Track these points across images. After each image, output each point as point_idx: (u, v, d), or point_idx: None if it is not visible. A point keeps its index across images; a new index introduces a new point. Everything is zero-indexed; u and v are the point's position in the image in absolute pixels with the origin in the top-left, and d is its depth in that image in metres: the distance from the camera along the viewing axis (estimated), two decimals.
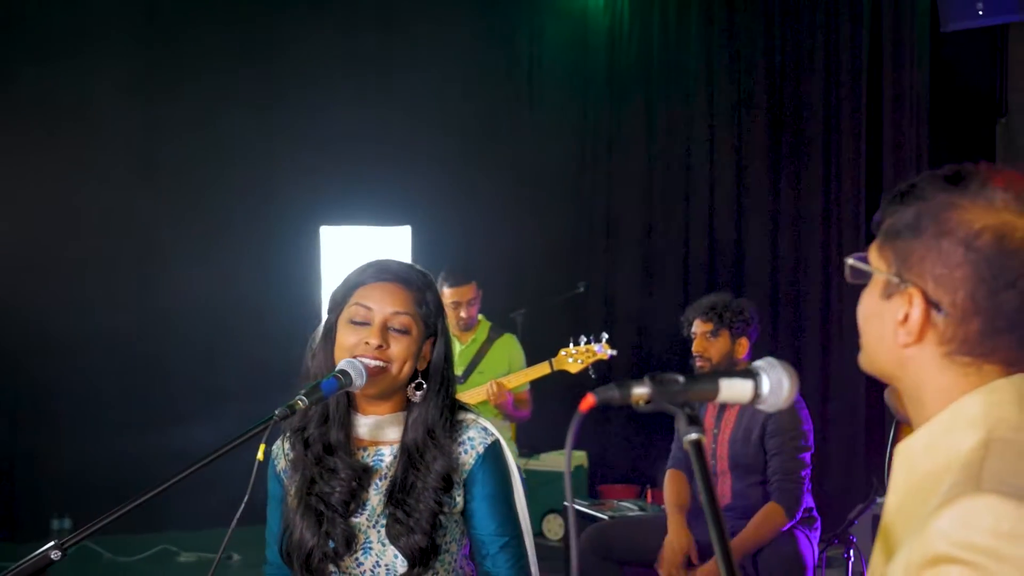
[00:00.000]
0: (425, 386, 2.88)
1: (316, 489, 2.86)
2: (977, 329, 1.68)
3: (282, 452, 2.98)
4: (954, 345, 1.70)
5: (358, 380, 2.71)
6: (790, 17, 8.25)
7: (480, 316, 6.37)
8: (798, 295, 8.05)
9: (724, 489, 5.31)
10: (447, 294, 6.22)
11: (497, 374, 6.19)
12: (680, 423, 1.76)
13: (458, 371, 6.23)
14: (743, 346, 5.34)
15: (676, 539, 5.20)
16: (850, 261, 1.82)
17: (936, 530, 1.55)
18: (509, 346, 6.39)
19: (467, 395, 6.03)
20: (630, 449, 8.61)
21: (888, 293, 1.74)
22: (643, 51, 9.00)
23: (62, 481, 7.73)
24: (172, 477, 2.64)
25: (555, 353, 6.12)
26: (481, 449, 2.89)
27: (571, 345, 6.06)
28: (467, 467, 2.88)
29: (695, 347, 5.35)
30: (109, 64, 7.81)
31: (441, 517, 2.84)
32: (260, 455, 2.58)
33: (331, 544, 2.84)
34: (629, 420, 8.41)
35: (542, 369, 6.15)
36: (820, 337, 7.94)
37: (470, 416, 2.95)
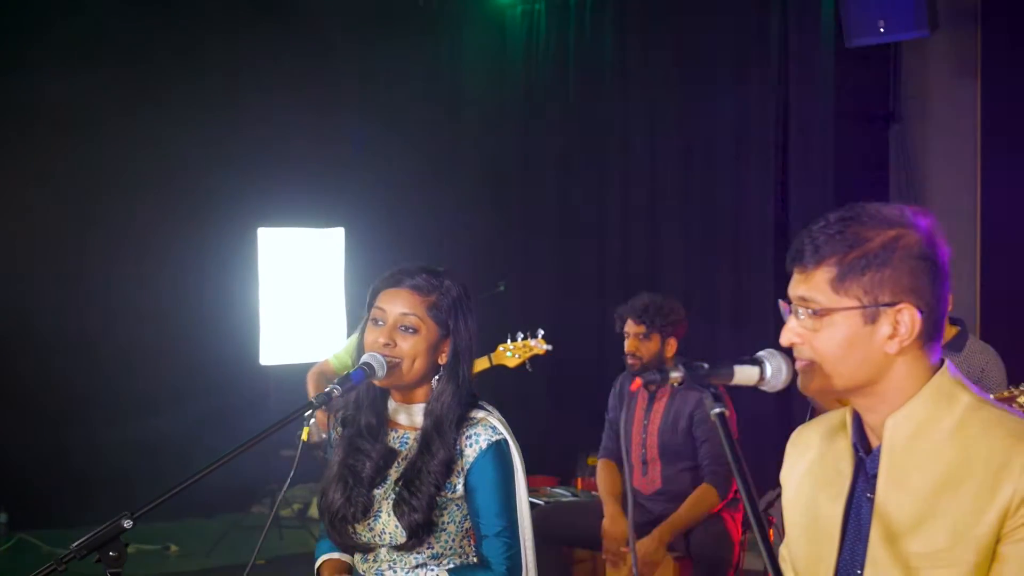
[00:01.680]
0: (441, 376, 3.29)
1: (349, 462, 3.27)
2: (938, 316, 2.19)
3: (309, 431, 3.36)
4: (926, 336, 2.17)
5: (380, 371, 3.14)
6: (702, 29, 8.61)
7: None
8: (709, 295, 8.44)
9: (654, 475, 5.67)
10: None
11: None
12: (707, 400, 2.16)
13: None
14: (672, 345, 5.67)
15: (613, 526, 5.55)
16: (808, 314, 2.21)
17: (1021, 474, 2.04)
18: None
19: None
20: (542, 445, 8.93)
21: (870, 319, 2.16)
22: (559, 60, 9.30)
23: None
24: (219, 459, 2.94)
25: (492, 348, 6.43)
26: (484, 445, 3.26)
27: (508, 340, 6.38)
28: (469, 459, 3.25)
29: (628, 346, 5.67)
30: (52, 68, 7.87)
31: (439, 499, 3.22)
32: (304, 436, 2.98)
33: (351, 508, 3.25)
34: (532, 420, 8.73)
35: (481, 364, 6.42)
36: (730, 333, 8.34)
37: (482, 414, 3.32)
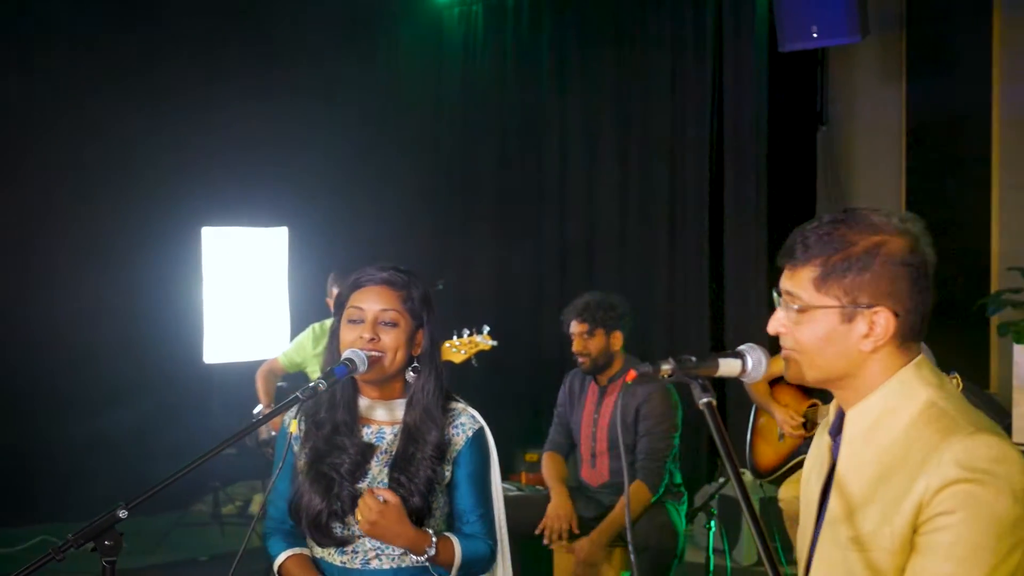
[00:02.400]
0: (419, 370, 3.40)
1: (327, 461, 3.37)
2: (916, 320, 2.31)
3: (300, 421, 3.47)
4: (903, 337, 2.31)
5: (361, 366, 3.25)
6: (639, 29, 8.80)
7: None
8: (646, 290, 8.60)
9: (602, 468, 5.82)
10: (336, 292, 6.59)
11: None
12: (695, 390, 2.31)
13: None
14: (617, 339, 5.81)
15: (560, 507, 5.68)
16: (793, 308, 2.35)
17: (946, 464, 2.16)
18: None
19: None
20: None
21: (848, 318, 2.30)
22: (497, 60, 9.44)
23: None
24: (199, 457, 3.09)
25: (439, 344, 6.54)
26: (471, 433, 3.43)
27: (455, 337, 6.49)
28: (457, 447, 3.41)
29: (575, 346, 5.79)
30: None
31: (435, 485, 3.36)
32: (293, 428, 3.10)
33: (336, 505, 3.34)
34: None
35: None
36: (665, 332, 8.52)
37: (460, 405, 3.48)
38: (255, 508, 8.41)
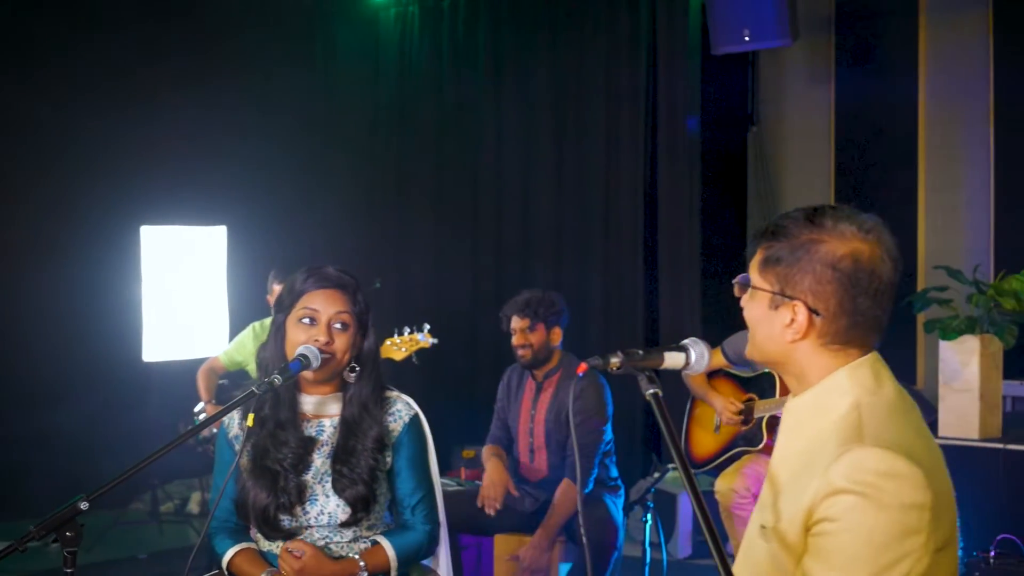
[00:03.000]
0: (359, 370, 3.54)
1: (271, 455, 3.48)
2: (844, 325, 2.37)
3: (234, 423, 3.57)
4: (828, 338, 2.38)
5: (315, 363, 3.38)
6: (574, 32, 8.88)
7: None
8: (582, 289, 8.70)
9: (540, 463, 5.93)
10: (277, 290, 6.65)
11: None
12: (642, 382, 2.43)
13: None
14: (557, 334, 5.92)
15: (494, 474, 5.79)
16: (737, 281, 2.47)
17: (835, 471, 2.22)
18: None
19: None
20: None
21: (775, 305, 2.39)
22: (433, 61, 9.47)
23: None
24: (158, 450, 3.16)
25: (380, 342, 6.60)
26: (407, 419, 3.58)
27: (395, 335, 6.57)
28: (395, 433, 3.56)
29: (516, 341, 5.88)
30: None
31: (377, 472, 3.49)
32: (250, 422, 3.18)
33: (284, 497, 3.45)
34: None
35: None
36: (600, 329, 8.63)
37: (395, 393, 3.64)
38: (193, 506, 8.43)
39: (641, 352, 2.47)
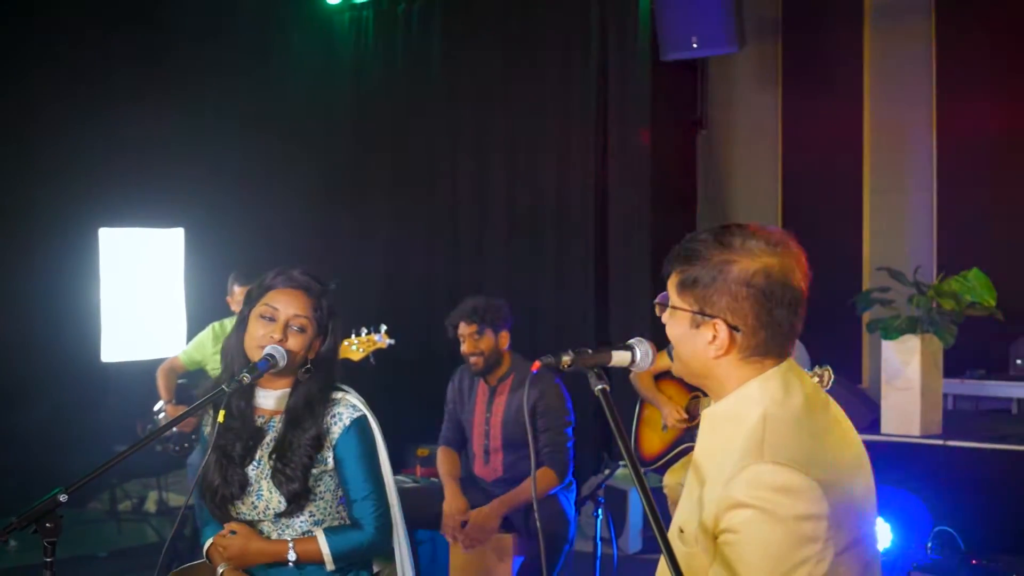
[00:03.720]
0: (312, 371, 3.67)
1: (220, 443, 3.63)
2: (763, 338, 2.50)
3: (209, 418, 3.71)
4: (748, 351, 2.51)
5: (281, 362, 3.54)
6: (527, 36, 9.03)
7: None
8: (532, 294, 8.81)
9: (496, 463, 6.04)
10: (238, 292, 6.74)
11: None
12: (592, 378, 2.60)
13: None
14: (505, 337, 6.02)
15: (453, 503, 5.89)
16: (658, 301, 2.62)
17: (735, 485, 2.36)
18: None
19: None
20: None
21: (696, 324, 2.52)
22: (388, 65, 9.56)
23: None
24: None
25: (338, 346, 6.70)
26: (348, 421, 3.68)
27: (352, 335, 6.67)
28: (335, 435, 3.68)
29: (466, 348, 5.98)
30: None
31: (313, 470, 3.63)
32: (221, 418, 3.37)
33: (226, 489, 3.62)
34: None
35: None
36: (551, 333, 8.75)
37: (340, 395, 3.74)
38: (151, 505, 8.51)
39: (590, 351, 2.63)
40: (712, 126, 10.41)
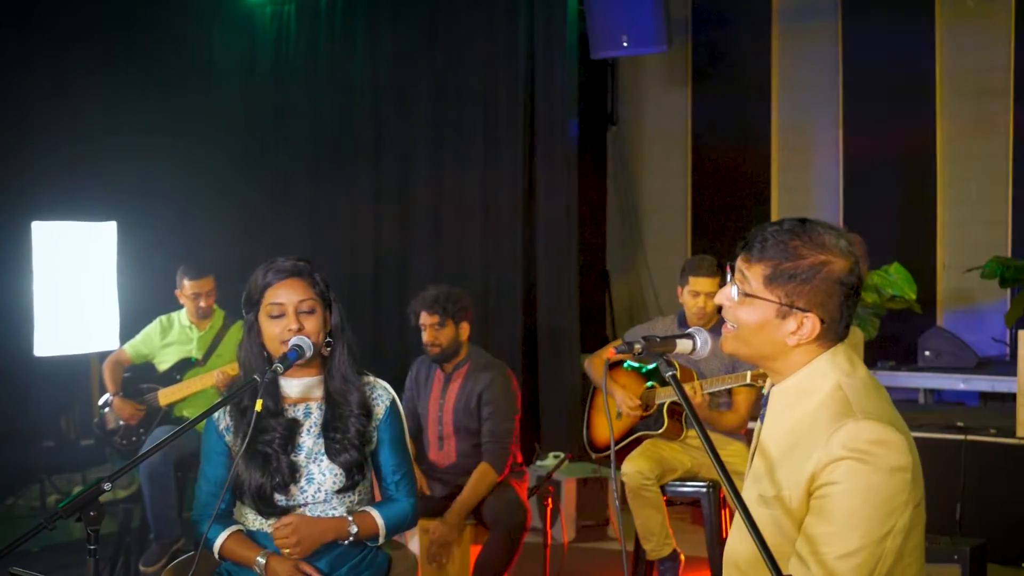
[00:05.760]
0: (332, 342, 3.79)
1: (259, 440, 3.71)
2: (841, 326, 2.75)
3: (224, 414, 3.78)
4: (825, 338, 2.75)
5: (308, 351, 3.64)
6: (453, 31, 9.13)
7: (215, 306, 6.97)
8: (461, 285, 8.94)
9: (449, 450, 6.17)
10: (187, 286, 6.78)
11: (235, 356, 6.80)
12: (661, 365, 2.81)
13: (199, 355, 6.85)
14: (465, 328, 6.16)
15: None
16: (735, 292, 2.78)
17: (835, 442, 2.59)
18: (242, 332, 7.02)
19: (204, 378, 6.66)
20: None
21: (783, 315, 2.72)
22: (310, 61, 9.58)
23: None
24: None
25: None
26: (388, 403, 3.87)
27: None
28: (379, 415, 3.84)
29: (427, 337, 6.10)
30: None
31: (365, 438, 3.78)
32: (259, 407, 3.46)
33: (277, 477, 3.71)
34: None
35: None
36: (479, 326, 8.87)
37: (371, 378, 3.91)
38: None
39: (659, 339, 2.83)
40: (622, 122, 10.63)
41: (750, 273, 2.76)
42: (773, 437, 2.79)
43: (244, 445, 3.58)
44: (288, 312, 3.69)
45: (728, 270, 2.85)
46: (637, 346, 2.80)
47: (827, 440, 2.60)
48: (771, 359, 2.79)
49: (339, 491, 3.75)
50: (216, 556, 3.82)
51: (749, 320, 2.77)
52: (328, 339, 3.77)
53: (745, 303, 2.77)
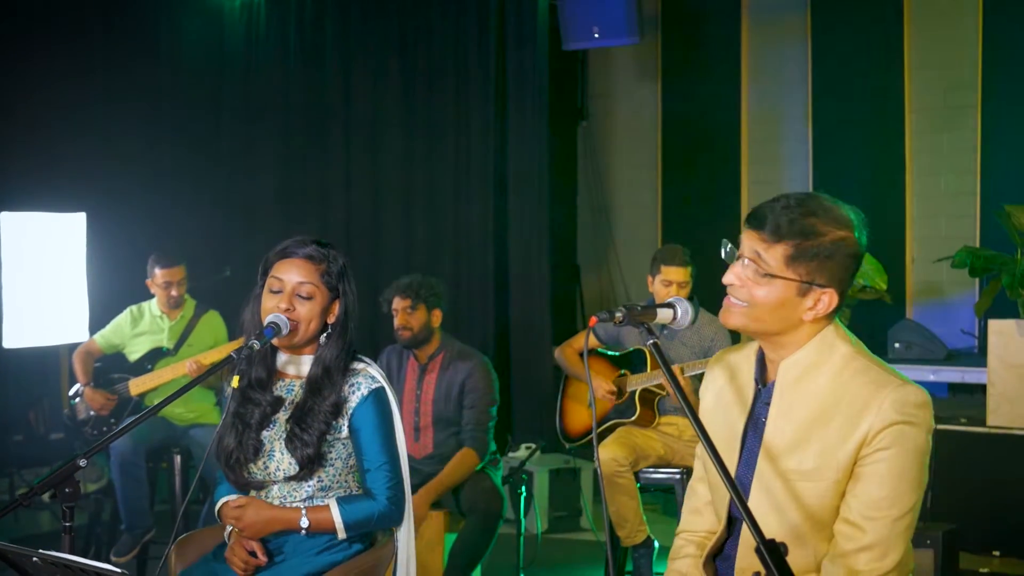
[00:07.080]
0: (331, 335, 3.76)
1: (240, 411, 3.76)
2: (845, 300, 2.81)
3: (238, 380, 3.79)
4: (833, 310, 2.80)
5: (284, 329, 3.63)
6: (424, 23, 9.16)
7: (186, 295, 6.94)
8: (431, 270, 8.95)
9: (426, 441, 6.17)
10: (159, 275, 6.76)
11: (206, 346, 6.81)
12: (643, 334, 2.82)
13: (170, 345, 6.82)
14: (437, 316, 6.17)
15: None
16: (752, 271, 2.80)
17: (887, 408, 2.68)
18: (214, 321, 7.01)
19: (176, 367, 6.63)
20: None
21: (803, 292, 2.76)
22: (280, 52, 9.53)
23: None
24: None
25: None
26: (365, 392, 3.78)
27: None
28: (353, 404, 3.77)
29: (398, 321, 6.11)
30: None
31: (328, 436, 3.72)
32: (235, 383, 3.50)
33: (240, 452, 3.74)
34: None
35: (240, 343, 6.74)
36: (450, 318, 8.86)
37: (362, 366, 3.84)
38: (45, 496, 8.38)
39: (640, 307, 2.83)
40: (592, 116, 10.66)
41: (769, 254, 2.77)
42: (787, 411, 2.83)
43: (224, 416, 3.61)
44: (285, 291, 3.68)
45: (734, 250, 2.86)
46: (618, 314, 2.80)
47: (878, 407, 2.68)
48: (781, 334, 2.83)
49: (289, 479, 3.74)
50: (216, 517, 3.89)
51: (768, 299, 2.79)
52: (327, 329, 3.76)
53: (763, 282, 2.78)
